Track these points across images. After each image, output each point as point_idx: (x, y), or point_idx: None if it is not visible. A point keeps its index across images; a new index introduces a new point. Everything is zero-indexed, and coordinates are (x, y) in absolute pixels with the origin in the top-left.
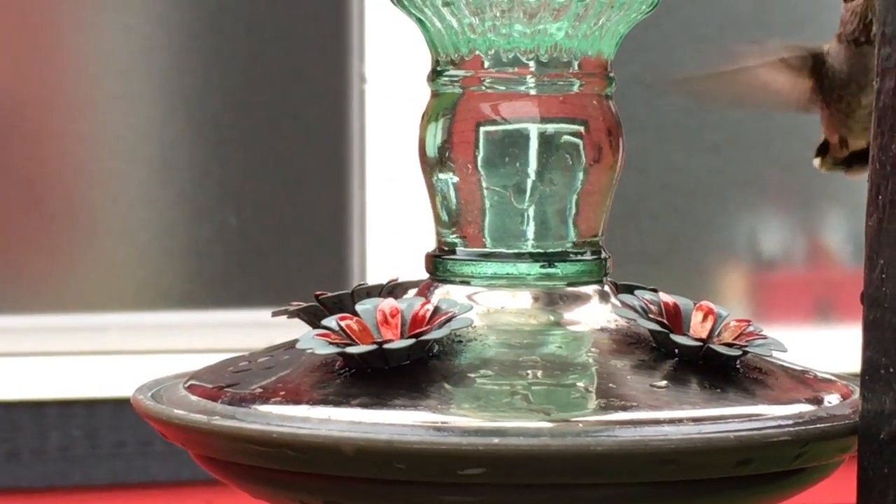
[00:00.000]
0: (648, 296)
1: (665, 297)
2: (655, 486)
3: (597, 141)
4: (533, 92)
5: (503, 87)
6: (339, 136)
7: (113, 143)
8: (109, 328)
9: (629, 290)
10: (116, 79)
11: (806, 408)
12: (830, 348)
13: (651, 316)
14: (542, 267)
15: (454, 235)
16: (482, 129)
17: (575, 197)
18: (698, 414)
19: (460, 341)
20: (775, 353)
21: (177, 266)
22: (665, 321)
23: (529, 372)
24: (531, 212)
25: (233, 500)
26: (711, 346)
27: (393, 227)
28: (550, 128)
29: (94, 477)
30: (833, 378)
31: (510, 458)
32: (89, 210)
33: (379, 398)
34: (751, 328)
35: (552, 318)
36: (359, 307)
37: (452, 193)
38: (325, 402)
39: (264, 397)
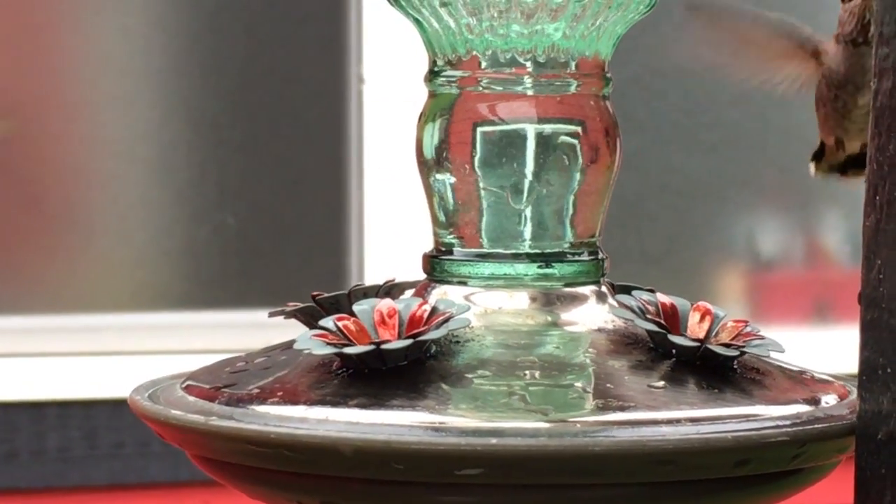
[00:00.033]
0: (646, 296)
1: (662, 298)
2: (653, 486)
3: (594, 141)
4: (530, 92)
5: (500, 88)
6: (337, 136)
7: (111, 144)
8: (108, 329)
9: (626, 290)
10: (115, 80)
11: (803, 408)
12: (829, 349)
13: (648, 316)
14: (539, 267)
15: (451, 236)
16: (479, 129)
17: (572, 197)
18: (696, 414)
19: (458, 342)
20: (773, 354)
21: (175, 267)
22: (662, 322)
23: (527, 372)
24: (528, 212)
25: (230, 501)
26: (709, 346)
27: (391, 227)
28: (547, 128)
29: (92, 478)
30: (830, 379)
31: (508, 458)
32: (88, 211)
33: (377, 399)
34: (748, 328)
35: (549, 318)
36: (356, 308)
37: (449, 194)
38: (322, 402)
39: (262, 398)
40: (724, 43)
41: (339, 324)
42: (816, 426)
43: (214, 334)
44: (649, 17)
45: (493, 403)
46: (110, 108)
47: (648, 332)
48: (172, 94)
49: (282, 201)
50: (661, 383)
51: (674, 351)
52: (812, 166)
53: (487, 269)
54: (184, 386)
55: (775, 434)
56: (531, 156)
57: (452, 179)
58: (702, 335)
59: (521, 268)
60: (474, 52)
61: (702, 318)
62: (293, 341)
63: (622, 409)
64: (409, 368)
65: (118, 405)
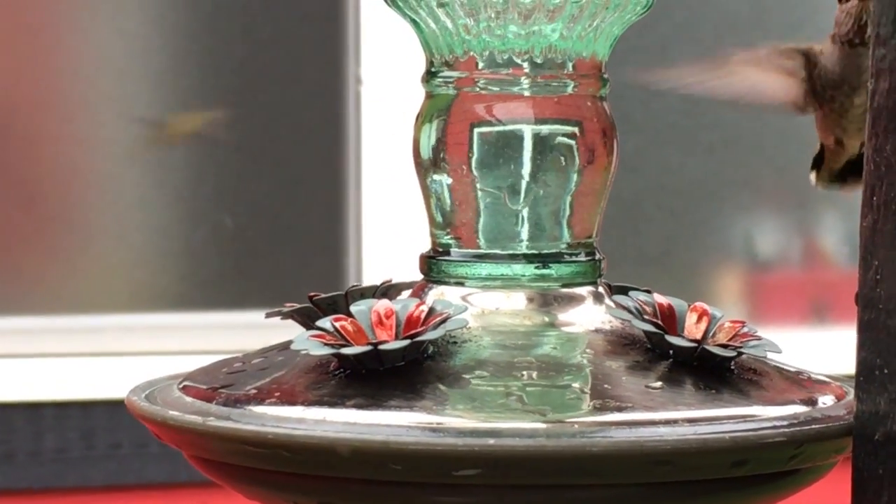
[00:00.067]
0: (643, 297)
1: (659, 299)
2: (651, 486)
3: (591, 142)
4: (527, 93)
5: (497, 89)
6: (335, 137)
7: (108, 145)
8: (105, 330)
9: (623, 291)
10: (112, 81)
11: (801, 409)
12: (827, 350)
13: (646, 317)
14: (536, 268)
15: (448, 236)
16: (476, 130)
17: (569, 198)
18: (693, 415)
19: (455, 342)
20: (770, 355)
21: (172, 268)
22: (660, 322)
23: (524, 373)
24: (525, 213)
25: (228, 502)
26: (706, 347)
27: (389, 228)
28: (545, 129)
29: (89, 478)
30: (827, 379)
31: (505, 458)
32: (85, 212)
33: (374, 399)
34: (745, 329)
35: (547, 319)
36: (353, 308)
37: (447, 194)
38: (320, 403)
39: (259, 398)
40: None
41: (337, 324)
42: (814, 427)
43: (212, 335)
44: (646, 18)
45: (491, 404)
46: (107, 109)
47: (646, 332)
48: (170, 95)
49: (280, 202)
50: (659, 384)
51: (671, 351)
52: (813, 175)
53: (484, 269)
54: (181, 386)
55: (773, 434)
56: (528, 157)
57: (449, 180)
58: (699, 336)
59: (519, 268)
60: (471, 53)
61: (699, 319)
62: (290, 342)
63: (620, 409)
64: (407, 369)
65: (116, 406)
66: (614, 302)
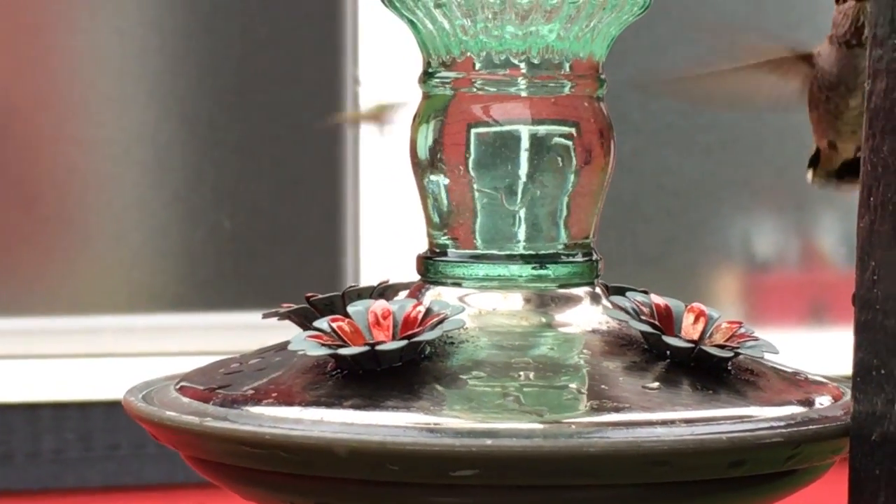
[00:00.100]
0: (640, 297)
1: (656, 299)
2: (648, 487)
3: (588, 143)
4: (524, 94)
5: (494, 89)
6: (333, 138)
7: (106, 146)
8: (103, 330)
9: (620, 291)
10: (110, 81)
11: (798, 409)
12: (824, 350)
13: (643, 317)
14: (533, 269)
15: (445, 237)
16: (473, 130)
17: (566, 199)
18: (690, 415)
19: (452, 343)
20: (767, 355)
21: (170, 268)
22: (657, 323)
23: (521, 373)
24: (522, 213)
25: (226, 503)
26: (703, 347)
27: (386, 229)
28: (542, 130)
29: (87, 479)
30: (824, 380)
31: (502, 459)
32: (83, 212)
33: (371, 399)
34: (742, 330)
35: (544, 319)
36: (350, 309)
37: (444, 195)
38: (317, 403)
39: (256, 399)
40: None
41: (334, 325)
42: (811, 427)
43: (210, 336)
44: (644, 19)
45: (488, 404)
46: (106, 109)
47: (643, 333)
48: (168, 96)
49: (277, 203)
50: (656, 384)
51: (668, 352)
52: (809, 174)
53: (482, 270)
54: (178, 387)
55: (770, 435)
56: (525, 157)
57: (446, 181)
58: (696, 336)
59: (516, 269)
60: (468, 54)
61: (696, 320)
62: (288, 342)
63: (617, 410)
64: (404, 369)
65: (113, 407)
66: (611, 302)
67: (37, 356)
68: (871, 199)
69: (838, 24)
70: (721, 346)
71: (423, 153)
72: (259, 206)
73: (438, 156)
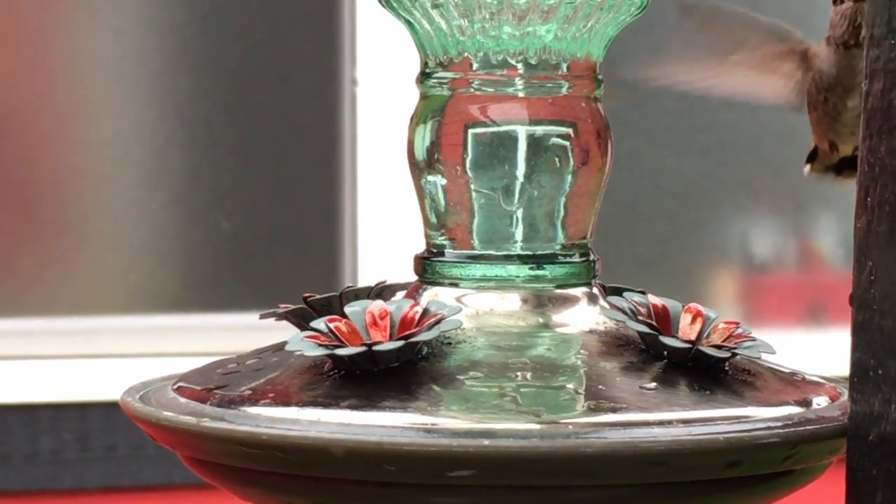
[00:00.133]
0: (637, 298)
1: (654, 299)
2: (645, 487)
3: (585, 143)
4: (521, 94)
5: (492, 90)
6: (331, 139)
7: (104, 147)
8: (101, 331)
9: (618, 292)
10: (108, 82)
11: (795, 410)
12: (823, 351)
13: (640, 318)
14: (530, 269)
15: (443, 237)
16: (471, 131)
17: (563, 199)
18: (687, 416)
19: (449, 343)
20: (764, 356)
21: (168, 269)
22: (654, 323)
23: (518, 374)
24: (520, 214)
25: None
26: (700, 348)
27: (384, 229)
28: (539, 130)
29: (85, 480)
30: (821, 380)
31: (500, 459)
32: (81, 213)
33: (368, 400)
34: (739, 330)
35: (541, 320)
36: (348, 309)
37: (441, 195)
38: (314, 403)
39: (253, 399)
40: (716, 45)
41: (331, 325)
42: (808, 428)
43: (208, 337)
44: (642, 19)
45: (485, 405)
46: (103, 110)
47: (640, 333)
48: (166, 97)
49: (275, 204)
50: (653, 385)
51: (665, 352)
52: (807, 167)
53: (479, 270)
54: (175, 387)
55: (767, 435)
56: (522, 157)
57: (444, 181)
58: (693, 337)
59: (513, 269)
60: (466, 54)
61: (693, 320)
62: (285, 343)
63: (614, 410)
64: (401, 370)
65: (111, 408)
66: (609, 303)
67: (35, 357)
68: (869, 199)
69: (836, 25)
70: (718, 347)
71: (420, 154)
72: (257, 207)
73: (436, 156)
